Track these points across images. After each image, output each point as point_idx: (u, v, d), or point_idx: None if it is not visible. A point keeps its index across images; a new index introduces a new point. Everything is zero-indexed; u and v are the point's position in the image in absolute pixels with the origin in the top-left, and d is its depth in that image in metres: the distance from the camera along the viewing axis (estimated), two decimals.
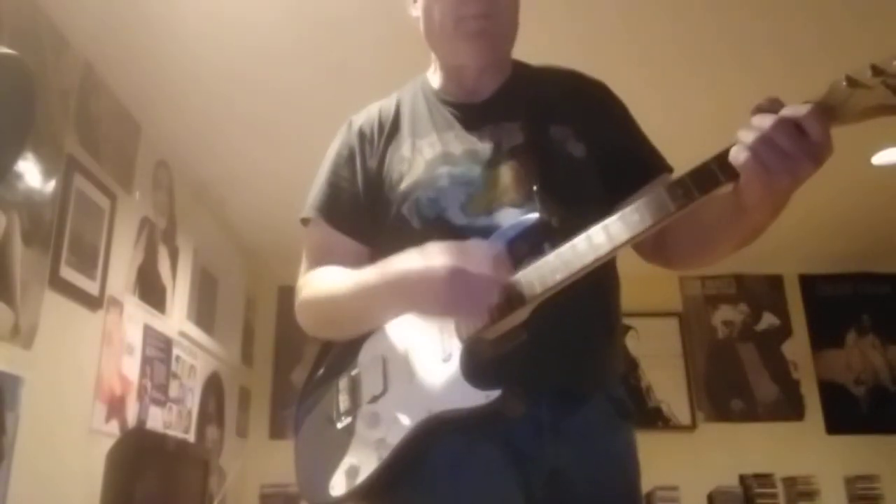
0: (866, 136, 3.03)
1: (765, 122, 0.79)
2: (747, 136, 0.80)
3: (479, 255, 0.90)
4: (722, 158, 0.83)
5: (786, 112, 0.79)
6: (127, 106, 2.73)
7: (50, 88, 2.22)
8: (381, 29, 2.26)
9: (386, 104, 1.22)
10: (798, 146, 0.77)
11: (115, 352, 2.56)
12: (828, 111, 0.78)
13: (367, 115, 1.22)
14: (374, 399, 1.00)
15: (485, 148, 1.10)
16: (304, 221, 1.20)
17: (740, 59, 2.56)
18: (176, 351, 3.14)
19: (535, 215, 0.97)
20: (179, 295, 3.24)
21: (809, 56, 2.50)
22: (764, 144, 0.78)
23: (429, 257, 0.91)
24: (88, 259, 2.41)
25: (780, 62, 2.55)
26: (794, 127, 0.77)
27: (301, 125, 2.86)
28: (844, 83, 0.77)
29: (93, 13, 2.24)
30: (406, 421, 0.95)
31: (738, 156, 0.80)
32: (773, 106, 0.81)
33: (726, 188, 0.84)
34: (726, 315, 4.67)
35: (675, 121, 2.66)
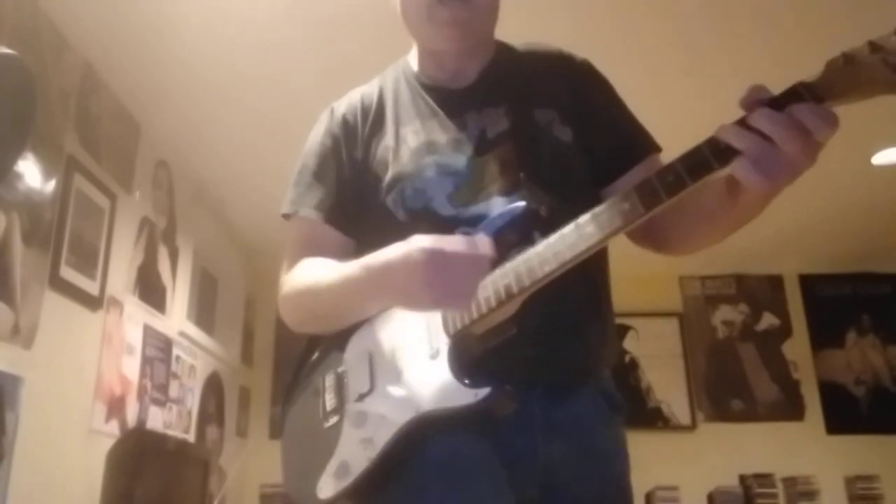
0: (866, 136, 3.04)
1: (771, 126, 0.74)
2: (745, 141, 0.75)
3: (458, 240, 0.87)
4: (714, 143, 0.79)
5: (795, 114, 0.73)
6: (127, 106, 2.73)
7: (50, 88, 2.21)
8: (385, 26, 2.25)
9: (367, 91, 1.19)
10: (801, 148, 0.74)
11: (115, 352, 2.56)
12: (824, 93, 0.74)
13: (348, 102, 1.18)
14: (361, 397, 0.98)
15: (470, 136, 1.07)
16: (286, 216, 1.16)
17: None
18: (176, 351, 3.14)
19: (522, 204, 0.94)
20: (179, 295, 3.24)
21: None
22: (766, 149, 0.74)
23: (409, 246, 0.88)
24: (88, 259, 2.41)
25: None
26: (801, 130, 0.73)
27: (302, 124, 2.85)
28: (842, 61, 0.73)
29: (93, 13, 2.24)
30: (394, 420, 0.93)
31: (737, 167, 0.76)
32: (759, 95, 0.77)
33: (719, 174, 0.80)
34: (726, 315, 4.66)
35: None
